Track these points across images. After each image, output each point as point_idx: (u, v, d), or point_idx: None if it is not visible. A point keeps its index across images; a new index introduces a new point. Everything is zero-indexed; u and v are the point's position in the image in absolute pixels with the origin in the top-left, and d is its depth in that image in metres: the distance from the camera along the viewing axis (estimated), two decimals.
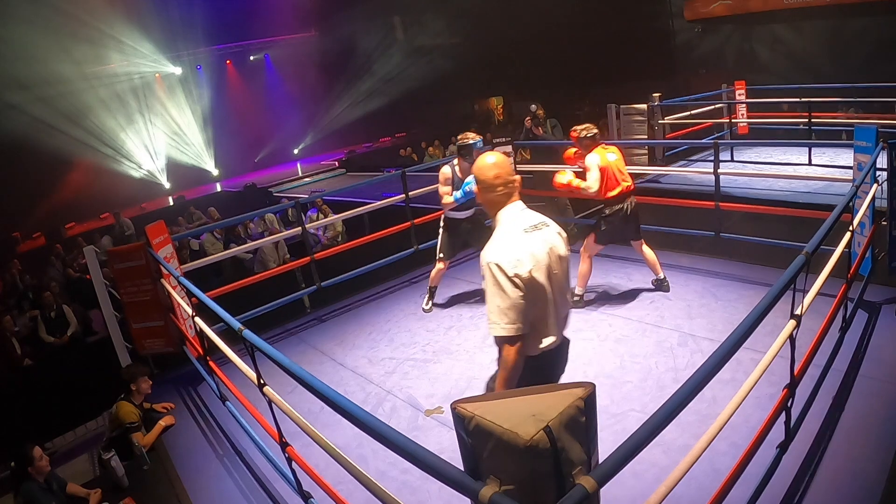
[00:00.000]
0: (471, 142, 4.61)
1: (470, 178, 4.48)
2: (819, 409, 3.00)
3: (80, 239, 10.87)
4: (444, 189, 4.73)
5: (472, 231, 4.95)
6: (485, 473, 1.41)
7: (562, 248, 2.24)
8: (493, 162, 2.25)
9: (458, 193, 4.60)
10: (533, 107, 6.28)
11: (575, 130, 4.63)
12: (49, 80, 13.59)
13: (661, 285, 4.78)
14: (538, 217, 2.26)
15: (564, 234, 2.30)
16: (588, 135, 4.54)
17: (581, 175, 4.60)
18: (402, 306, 5.34)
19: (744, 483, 2.23)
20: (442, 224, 4.99)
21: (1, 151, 12.53)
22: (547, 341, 2.24)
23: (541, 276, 2.12)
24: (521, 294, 2.07)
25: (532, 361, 2.22)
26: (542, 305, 2.16)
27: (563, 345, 2.36)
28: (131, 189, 16.02)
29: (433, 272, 5.05)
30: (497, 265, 2.08)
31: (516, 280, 2.07)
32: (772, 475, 2.45)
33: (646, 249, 4.70)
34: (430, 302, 5.17)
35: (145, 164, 16.88)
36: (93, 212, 14.39)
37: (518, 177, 2.33)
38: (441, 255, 4.97)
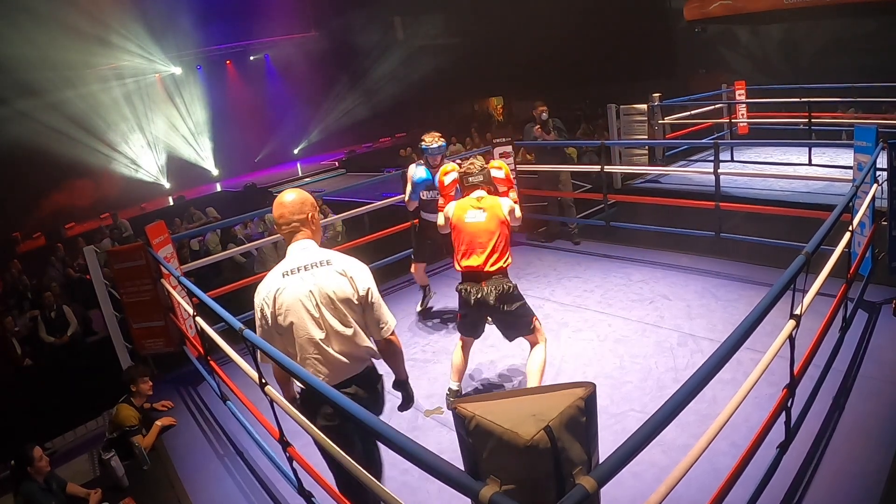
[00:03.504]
0: (422, 145, 4.46)
1: (419, 175, 4.41)
2: (819, 409, 3.00)
3: (80, 239, 10.87)
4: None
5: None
6: (485, 473, 1.42)
7: (339, 289, 2.20)
8: (278, 202, 2.31)
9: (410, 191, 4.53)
10: (544, 116, 6.19)
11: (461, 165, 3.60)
12: (48, 83, 13.58)
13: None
14: (319, 256, 2.25)
15: (356, 275, 2.23)
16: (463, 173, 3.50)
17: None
18: (402, 306, 5.33)
19: (744, 483, 2.23)
20: (416, 222, 4.93)
21: (1, 153, 12.54)
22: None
23: (286, 319, 2.20)
24: (263, 328, 2.27)
25: (304, 392, 2.33)
26: (292, 343, 2.23)
27: (343, 385, 2.25)
28: (131, 189, 16.02)
29: (414, 273, 4.95)
30: (255, 297, 2.29)
31: (260, 315, 2.27)
32: (772, 475, 2.46)
33: (535, 354, 3.27)
34: (425, 301, 5.07)
35: (145, 164, 16.88)
36: (93, 212, 14.39)
37: (308, 214, 2.30)
38: (413, 255, 4.93)
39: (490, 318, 3.37)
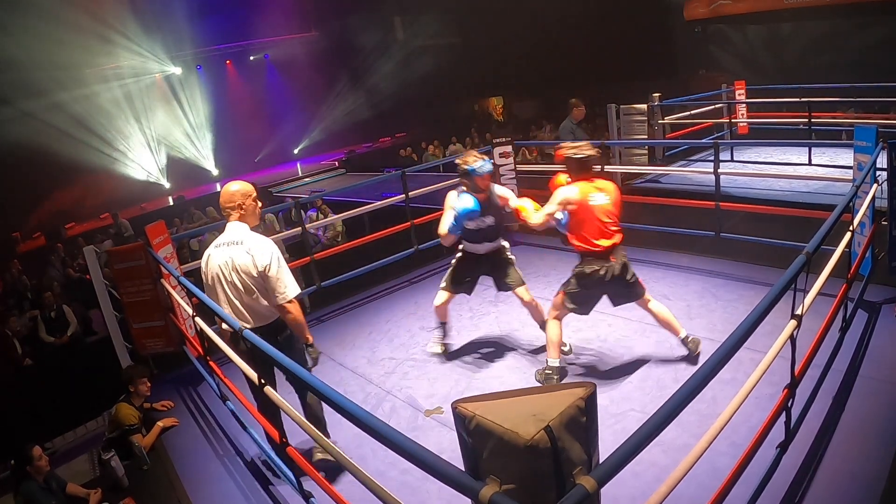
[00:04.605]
0: (468, 167, 3.77)
1: (465, 205, 3.69)
2: (819, 409, 3.00)
3: (80, 239, 10.88)
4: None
5: (492, 268, 4.06)
6: (485, 473, 1.42)
7: (243, 263, 2.90)
8: (222, 191, 3.04)
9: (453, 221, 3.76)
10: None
11: (562, 148, 3.56)
12: (48, 83, 13.57)
13: (686, 345, 3.72)
14: (237, 237, 2.96)
15: (256, 254, 2.88)
16: (577, 156, 3.47)
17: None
18: (401, 306, 5.34)
19: (744, 483, 2.23)
20: (458, 254, 4.16)
21: (1, 153, 12.54)
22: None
23: (209, 279, 3.01)
24: (204, 283, 3.07)
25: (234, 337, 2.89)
26: (216, 297, 3.01)
27: (259, 329, 2.92)
28: (131, 189, 16.01)
29: (436, 303, 4.17)
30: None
31: (202, 274, 3.07)
32: (772, 475, 2.45)
33: (655, 307, 3.71)
34: (443, 342, 4.31)
35: (145, 164, 16.87)
36: (93, 212, 14.38)
37: (238, 202, 2.98)
38: (444, 283, 4.15)
39: (607, 293, 3.66)
